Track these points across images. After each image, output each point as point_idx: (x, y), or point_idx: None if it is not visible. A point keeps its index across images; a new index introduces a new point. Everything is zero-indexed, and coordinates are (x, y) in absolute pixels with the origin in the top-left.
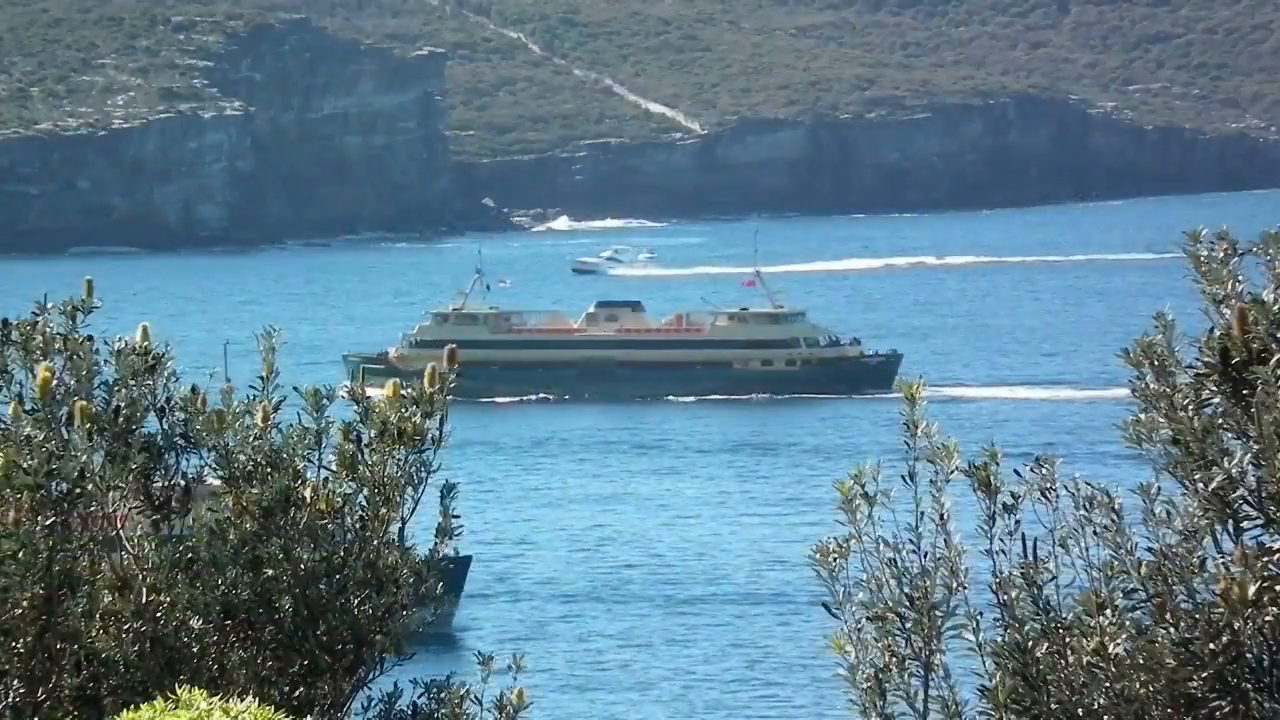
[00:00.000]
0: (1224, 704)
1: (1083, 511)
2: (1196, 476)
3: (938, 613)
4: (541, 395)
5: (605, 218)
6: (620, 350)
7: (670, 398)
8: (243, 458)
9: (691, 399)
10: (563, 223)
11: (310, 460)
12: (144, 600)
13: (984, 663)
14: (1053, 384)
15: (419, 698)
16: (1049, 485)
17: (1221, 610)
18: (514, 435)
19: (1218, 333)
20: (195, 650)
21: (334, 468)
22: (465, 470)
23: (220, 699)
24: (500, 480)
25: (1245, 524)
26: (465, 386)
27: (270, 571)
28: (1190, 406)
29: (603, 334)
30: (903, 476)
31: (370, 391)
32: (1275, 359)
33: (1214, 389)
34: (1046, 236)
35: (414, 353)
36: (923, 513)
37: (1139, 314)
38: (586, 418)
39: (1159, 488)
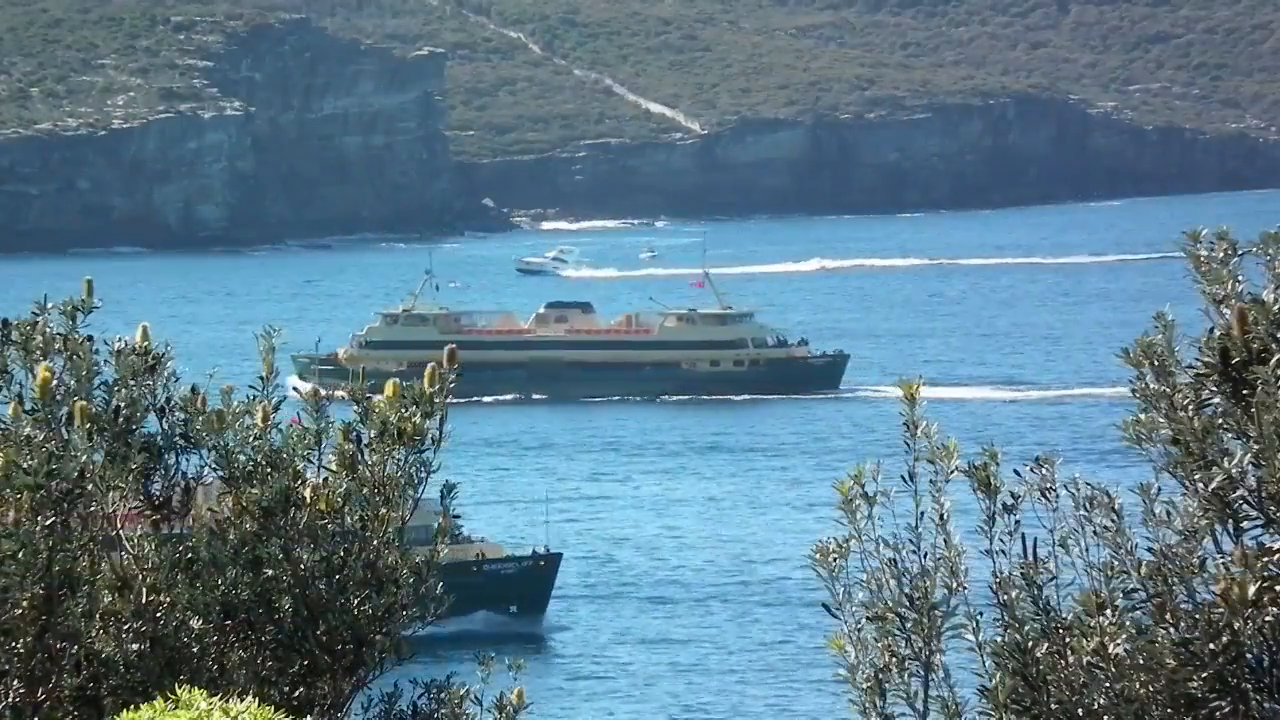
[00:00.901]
0: (1224, 704)
1: (1083, 511)
2: (1196, 476)
3: (938, 613)
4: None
5: (599, 218)
6: (570, 351)
7: (665, 398)
8: (243, 458)
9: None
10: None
11: (310, 460)
12: (144, 600)
13: (984, 663)
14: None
15: (419, 698)
16: (1049, 485)
17: (1221, 610)
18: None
19: (1218, 333)
20: (195, 650)
21: (334, 467)
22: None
23: (220, 699)
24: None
25: (1245, 524)
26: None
27: (270, 571)
28: (1190, 406)
29: (552, 335)
30: (903, 476)
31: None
32: (1275, 359)
33: (1214, 389)
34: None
35: (363, 353)
36: (923, 513)
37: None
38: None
39: (1159, 488)
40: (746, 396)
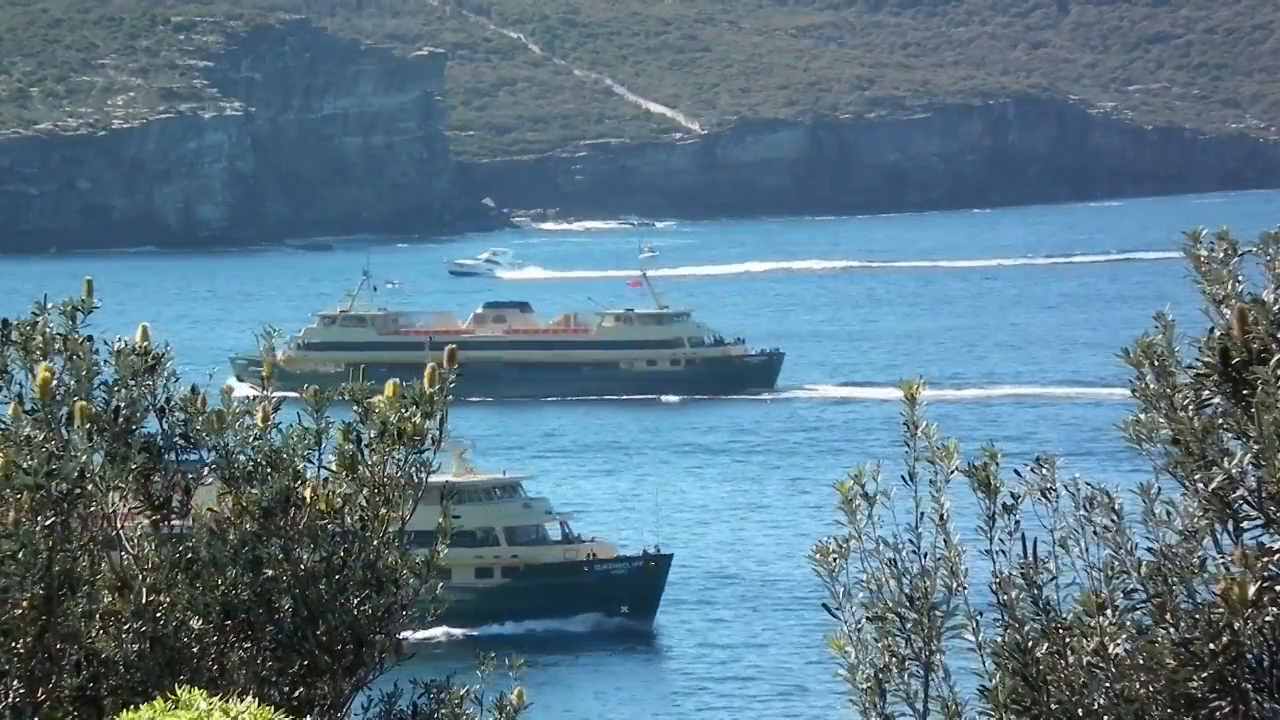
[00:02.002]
0: (1224, 704)
1: (1083, 511)
2: (1196, 476)
3: (938, 613)
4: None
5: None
6: (508, 351)
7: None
8: (243, 458)
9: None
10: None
11: (310, 460)
12: (144, 600)
13: (984, 663)
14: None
15: (419, 698)
16: (1049, 485)
17: (1221, 610)
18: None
19: (1218, 333)
20: (195, 650)
21: (334, 468)
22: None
23: (220, 699)
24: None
25: (1245, 524)
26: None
27: (270, 572)
28: (1190, 406)
29: (490, 335)
30: (903, 476)
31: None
32: (1275, 359)
33: (1214, 389)
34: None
35: (300, 355)
36: (923, 513)
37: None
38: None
39: (1159, 488)
40: (689, 396)
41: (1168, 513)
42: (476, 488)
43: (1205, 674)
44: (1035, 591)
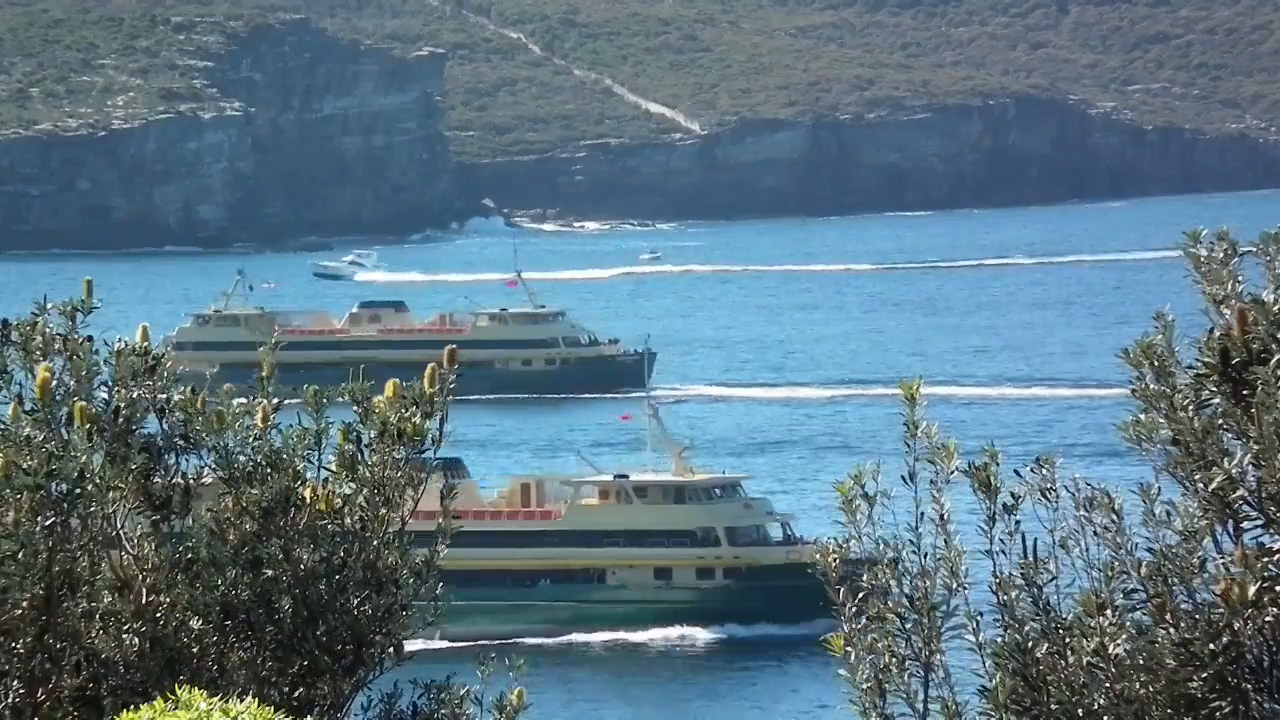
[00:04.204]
0: (1224, 705)
1: (1083, 512)
2: (1196, 477)
3: (938, 613)
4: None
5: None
6: (384, 350)
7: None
8: (243, 458)
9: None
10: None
11: (310, 461)
12: (144, 600)
13: (984, 663)
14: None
15: (419, 698)
16: (1049, 485)
17: (1222, 611)
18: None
19: (1218, 333)
20: (195, 650)
21: (334, 468)
22: None
23: (220, 699)
24: None
25: (1245, 524)
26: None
27: (270, 572)
28: (1190, 407)
29: (366, 334)
30: (903, 477)
31: None
32: (1275, 359)
33: (1214, 389)
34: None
35: (174, 354)
36: (923, 513)
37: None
38: None
39: (1159, 488)
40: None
41: (1168, 513)
42: (697, 487)
43: (1205, 674)
44: (1035, 591)
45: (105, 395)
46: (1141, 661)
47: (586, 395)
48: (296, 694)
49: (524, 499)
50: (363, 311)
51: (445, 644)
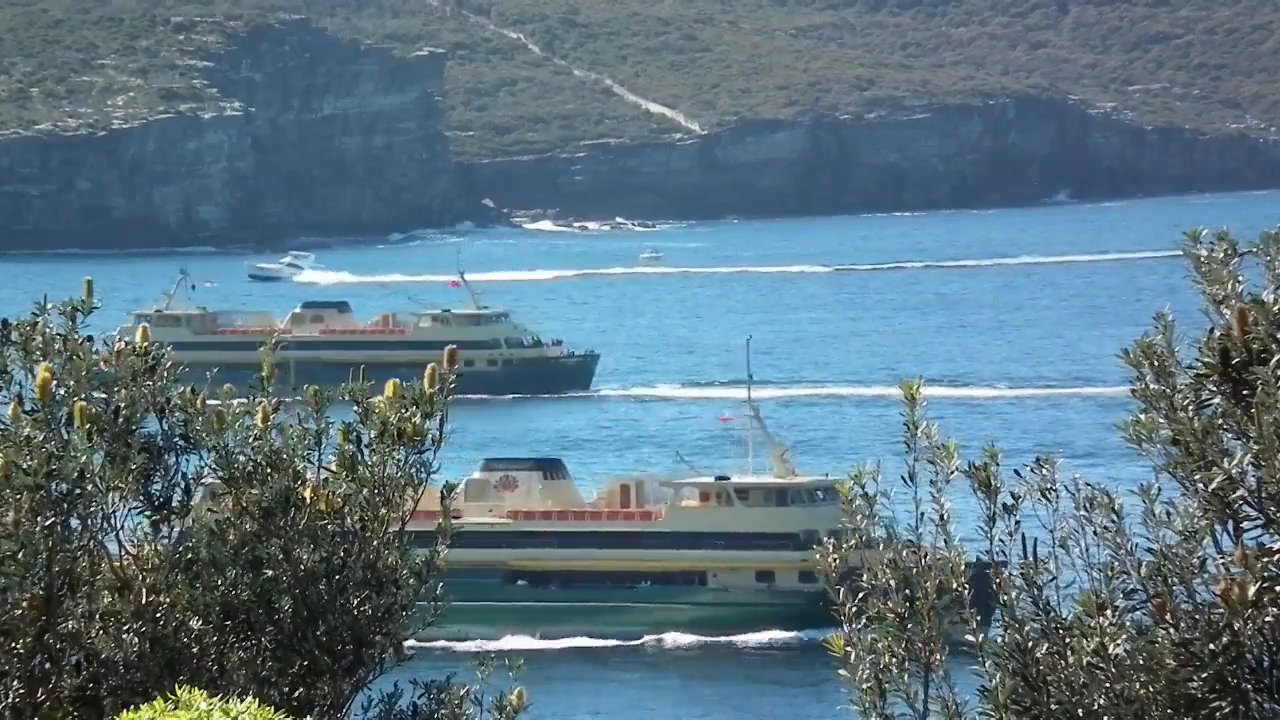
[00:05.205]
0: (1224, 704)
1: (1083, 512)
2: (1196, 477)
3: (938, 613)
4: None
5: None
6: (326, 351)
7: None
8: (243, 458)
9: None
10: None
11: (310, 461)
12: (144, 600)
13: (984, 663)
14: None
15: (419, 698)
16: (1049, 485)
17: (1221, 611)
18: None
19: (1218, 333)
20: (195, 650)
21: (334, 468)
22: None
23: (220, 699)
24: None
25: (1245, 524)
26: None
27: (270, 572)
28: (1190, 407)
29: (308, 335)
30: (903, 476)
31: None
32: (1275, 359)
33: (1214, 389)
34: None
35: None
36: (923, 513)
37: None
38: None
39: (1159, 488)
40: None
41: (1168, 513)
42: (799, 489)
43: (1205, 674)
44: (1035, 591)
45: (104, 395)
46: (1141, 661)
47: (528, 396)
48: (296, 694)
49: (624, 500)
50: (305, 312)
51: (545, 644)
